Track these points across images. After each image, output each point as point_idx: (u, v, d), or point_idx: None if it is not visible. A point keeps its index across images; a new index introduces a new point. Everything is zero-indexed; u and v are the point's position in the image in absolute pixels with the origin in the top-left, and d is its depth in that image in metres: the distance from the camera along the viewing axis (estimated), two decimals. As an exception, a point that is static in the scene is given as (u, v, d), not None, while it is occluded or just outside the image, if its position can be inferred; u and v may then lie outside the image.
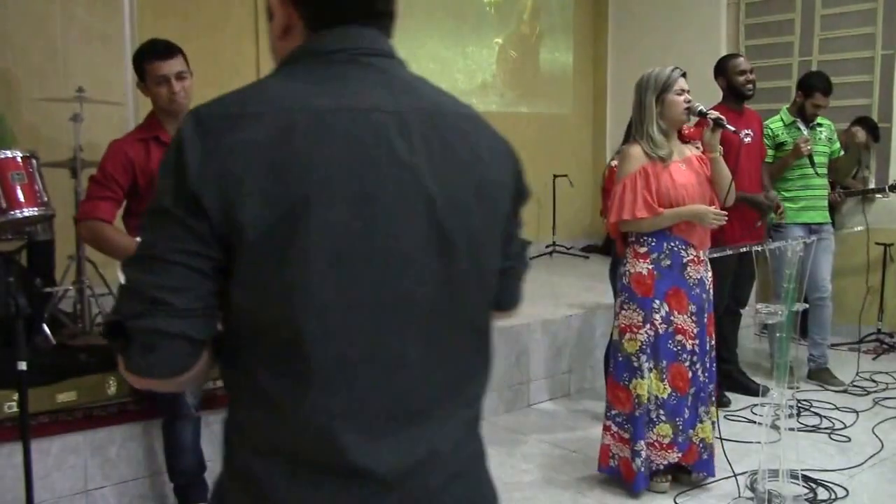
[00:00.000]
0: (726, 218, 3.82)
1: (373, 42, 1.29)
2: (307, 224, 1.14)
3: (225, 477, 1.28)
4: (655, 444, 3.83)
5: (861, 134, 5.85)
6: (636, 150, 3.82)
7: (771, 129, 5.42)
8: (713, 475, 4.00)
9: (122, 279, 1.19)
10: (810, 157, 5.29)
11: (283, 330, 1.16)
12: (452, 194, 1.26)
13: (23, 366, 3.12)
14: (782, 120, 5.49)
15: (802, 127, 5.45)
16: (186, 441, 3.61)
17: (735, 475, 3.90)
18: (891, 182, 6.41)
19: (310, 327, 1.16)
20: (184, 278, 1.14)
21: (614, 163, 4.32)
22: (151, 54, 3.38)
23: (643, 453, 3.81)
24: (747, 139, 5.14)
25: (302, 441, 1.19)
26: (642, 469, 3.82)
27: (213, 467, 3.92)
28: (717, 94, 5.35)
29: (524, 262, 1.54)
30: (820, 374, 5.67)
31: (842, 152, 5.74)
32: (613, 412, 3.93)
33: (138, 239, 1.22)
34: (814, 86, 5.46)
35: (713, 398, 3.98)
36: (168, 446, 3.61)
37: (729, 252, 3.75)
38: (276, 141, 1.15)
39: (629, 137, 4.03)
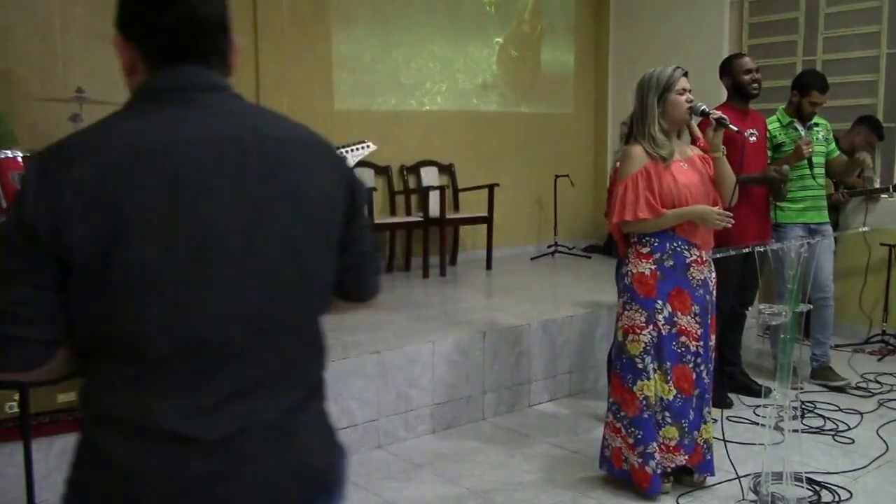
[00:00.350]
0: (732, 219, 3.79)
1: (197, 78, 1.49)
2: (122, 251, 1.35)
3: (76, 447, 1.53)
4: (662, 446, 3.81)
5: (868, 160, 5.83)
6: (637, 150, 3.80)
7: (768, 131, 5.40)
8: (713, 474, 3.99)
9: None
10: (808, 158, 5.27)
11: (114, 330, 1.40)
12: (265, 210, 1.46)
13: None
14: (779, 120, 5.46)
15: (800, 127, 5.41)
16: None
17: (738, 477, 3.87)
18: (895, 182, 6.40)
19: (137, 330, 1.40)
20: (26, 292, 1.38)
21: (619, 164, 4.30)
22: None
23: (656, 456, 3.79)
24: (752, 139, 5.12)
25: (133, 412, 1.42)
26: (658, 471, 3.79)
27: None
28: (720, 93, 5.33)
29: (372, 260, 1.77)
30: (823, 373, 5.65)
31: (837, 153, 5.71)
32: (620, 415, 3.90)
33: None
34: (810, 83, 5.43)
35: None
36: None
37: (732, 253, 3.73)
38: (98, 178, 1.36)
39: (629, 138, 4.01)
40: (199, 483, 1.44)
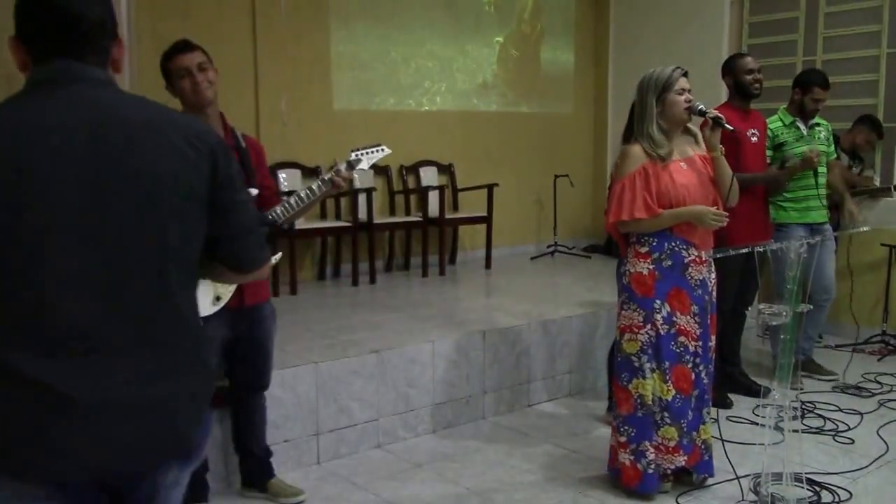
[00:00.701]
0: (727, 218, 3.78)
1: (66, 73, 1.72)
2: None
3: None
4: (661, 447, 3.80)
5: (855, 212, 5.88)
6: (636, 150, 3.79)
7: (770, 130, 5.38)
8: (713, 475, 3.98)
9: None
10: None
11: None
12: (111, 187, 1.67)
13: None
14: (781, 120, 5.44)
15: (802, 126, 5.40)
16: None
17: (738, 477, 3.87)
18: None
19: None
20: None
21: (617, 163, 4.29)
22: (172, 51, 3.44)
23: (649, 454, 3.78)
24: (753, 139, 5.11)
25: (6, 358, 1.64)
26: (650, 470, 3.79)
27: (215, 468, 3.91)
28: (720, 93, 5.32)
29: (250, 232, 1.96)
30: (808, 366, 5.71)
31: (834, 155, 5.71)
32: (616, 412, 3.91)
33: None
34: (811, 80, 5.43)
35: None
36: None
37: (732, 253, 3.72)
38: None
39: (629, 137, 4.00)
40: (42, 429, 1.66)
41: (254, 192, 3.44)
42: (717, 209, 3.79)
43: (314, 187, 3.49)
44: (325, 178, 3.49)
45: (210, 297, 3.42)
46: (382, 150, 3.65)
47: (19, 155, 1.63)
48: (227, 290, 3.44)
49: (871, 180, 6.75)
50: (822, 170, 5.45)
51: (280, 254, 3.66)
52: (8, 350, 1.64)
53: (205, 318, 3.40)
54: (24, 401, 1.65)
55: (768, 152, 5.34)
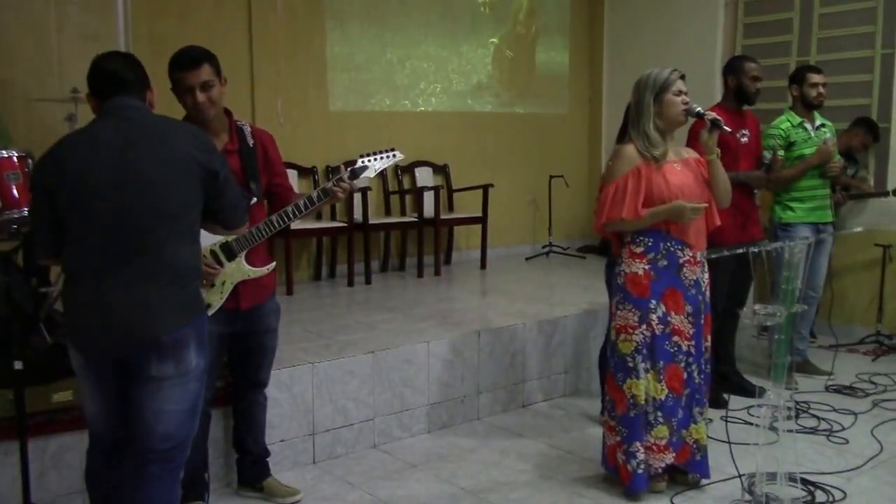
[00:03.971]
0: (705, 206, 3.77)
1: (118, 105, 2.80)
2: (67, 200, 2.72)
3: None
4: (653, 446, 3.82)
5: (867, 178, 5.93)
6: (629, 150, 3.80)
7: (781, 130, 5.39)
8: (708, 476, 3.99)
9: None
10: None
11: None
12: (137, 168, 2.70)
13: (18, 365, 3.12)
14: (789, 121, 5.44)
15: (809, 128, 5.43)
16: (196, 433, 3.63)
17: (733, 477, 3.88)
18: (892, 187, 6.43)
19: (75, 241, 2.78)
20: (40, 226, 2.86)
21: (610, 163, 4.29)
22: (177, 65, 3.42)
23: (639, 455, 3.80)
24: (744, 139, 5.14)
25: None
26: (639, 470, 3.80)
27: (214, 469, 3.91)
28: (714, 94, 5.33)
29: (235, 207, 3.00)
30: (805, 367, 5.73)
31: (837, 156, 5.74)
32: (613, 413, 3.92)
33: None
34: (802, 70, 5.55)
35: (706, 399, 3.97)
36: None
37: (726, 253, 3.73)
38: (57, 162, 2.76)
39: (623, 137, 4.01)
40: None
41: (252, 199, 3.46)
42: (698, 203, 3.76)
43: (313, 196, 3.48)
44: (326, 187, 3.47)
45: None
46: (394, 155, 3.59)
47: (87, 156, 2.72)
48: (219, 299, 3.46)
49: (865, 181, 6.78)
50: (832, 170, 5.47)
51: (274, 263, 3.65)
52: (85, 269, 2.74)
53: None
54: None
55: (781, 153, 5.34)
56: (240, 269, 3.47)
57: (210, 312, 3.40)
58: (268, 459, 3.98)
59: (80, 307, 2.76)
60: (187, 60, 3.40)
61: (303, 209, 3.47)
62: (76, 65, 5.59)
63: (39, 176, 2.78)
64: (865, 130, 6.58)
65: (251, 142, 3.60)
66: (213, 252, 3.41)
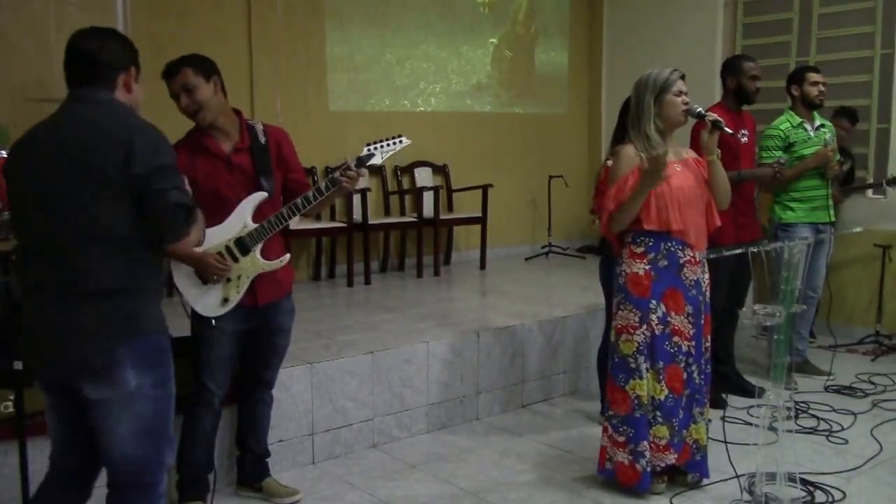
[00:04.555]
0: (666, 151, 3.63)
1: (74, 97, 2.64)
2: (13, 188, 2.68)
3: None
4: (653, 445, 3.82)
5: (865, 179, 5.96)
6: (630, 151, 3.79)
7: (781, 131, 5.39)
8: (707, 477, 3.99)
9: None
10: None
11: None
12: (57, 175, 2.55)
13: (18, 365, 3.12)
14: (789, 121, 5.45)
15: (809, 128, 5.43)
16: (203, 430, 3.68)
17: (732, 477, 3.88)
18: (889, 176, 6.42)
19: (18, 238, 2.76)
20: None
21: (609, 162, 4.29)
22: (163, 76, 3.49)
23: (647, 454, 3.79)
24: (743, 139, 5.14)
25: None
26: (648, 469, 3.80)
27: (219, 471, 3.90)
28: (713, 95, 5.33)
29: (166, 213, 2.59)
30: (804, 367, 5.73)
31: (838, 156, 5.74)
32: (610, 413, 3.91)
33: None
34: (801, 69, 5.56)
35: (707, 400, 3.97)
36: (183, 433, 3.65)
37: (726, 253, 3.73)
38: (11, 157, 2.71)
39: (621, 138, 4.01)
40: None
41: (263, 195, 3.47)
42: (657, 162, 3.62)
43: (322, 187, 3.49)
44: (334, 176, 3.48)
45: (218, 299, 3.46)
46: (401, 141, 3.60)
47: (28, 158, 2.63)
48: (236, 293, 3.47)
49: (853, 172, 6.77)
50: (834, 170, 5.48)
51: (288, 255, 3.66)
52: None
53: (216, 317, 3.49)
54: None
55: (780, 153, 5.34)
56: (255, 263, 3.50)
57: (228, 307, 3.47)
58: (267, 460, 3.98)
59: (24, 328, 2.68)
60: (167, 69, 3.48)
61: (312, 200, 3.49)
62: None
63: (4, 167, 2.71)
64: (846, 119, 6.61)
65: (263, 139, 3.61)
66: (227, 248, 3.45)
